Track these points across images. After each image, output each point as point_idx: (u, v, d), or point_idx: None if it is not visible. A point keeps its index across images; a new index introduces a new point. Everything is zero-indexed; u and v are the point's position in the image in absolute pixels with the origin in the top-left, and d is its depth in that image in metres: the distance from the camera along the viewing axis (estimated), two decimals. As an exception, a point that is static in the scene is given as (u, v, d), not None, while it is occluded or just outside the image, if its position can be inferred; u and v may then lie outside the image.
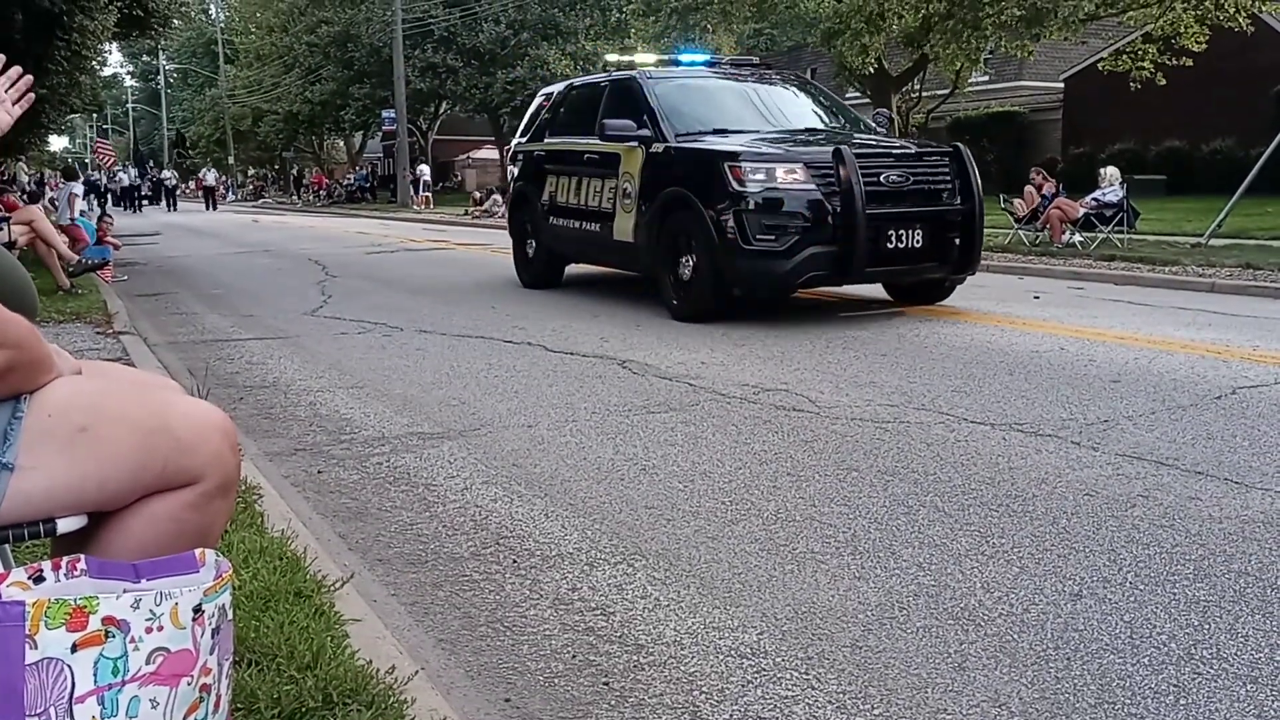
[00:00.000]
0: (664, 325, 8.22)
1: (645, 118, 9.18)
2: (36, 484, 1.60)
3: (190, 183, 60.10)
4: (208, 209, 44.44)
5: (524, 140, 11.92)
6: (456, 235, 22.69)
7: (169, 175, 50.70)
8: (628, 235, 9.20)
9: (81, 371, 1.84)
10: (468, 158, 55.65)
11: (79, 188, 12.83)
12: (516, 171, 11.84)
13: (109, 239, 12.73)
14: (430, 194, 37.62)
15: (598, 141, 9.70)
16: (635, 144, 9.09)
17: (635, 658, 2.69)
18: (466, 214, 30.61)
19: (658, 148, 8.92)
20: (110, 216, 15.69)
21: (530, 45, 40.46)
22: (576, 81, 11.90)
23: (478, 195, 33.29)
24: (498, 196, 31.63)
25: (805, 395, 5.60)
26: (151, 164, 58.10)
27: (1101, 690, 2.46)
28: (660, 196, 8.71)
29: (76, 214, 12.40)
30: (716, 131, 8.94)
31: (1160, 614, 2.85)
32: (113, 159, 50.03)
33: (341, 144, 59.81)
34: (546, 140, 11.14)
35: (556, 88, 11.99)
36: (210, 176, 49.37)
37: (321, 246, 18.85)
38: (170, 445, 1.70)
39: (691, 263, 8.38)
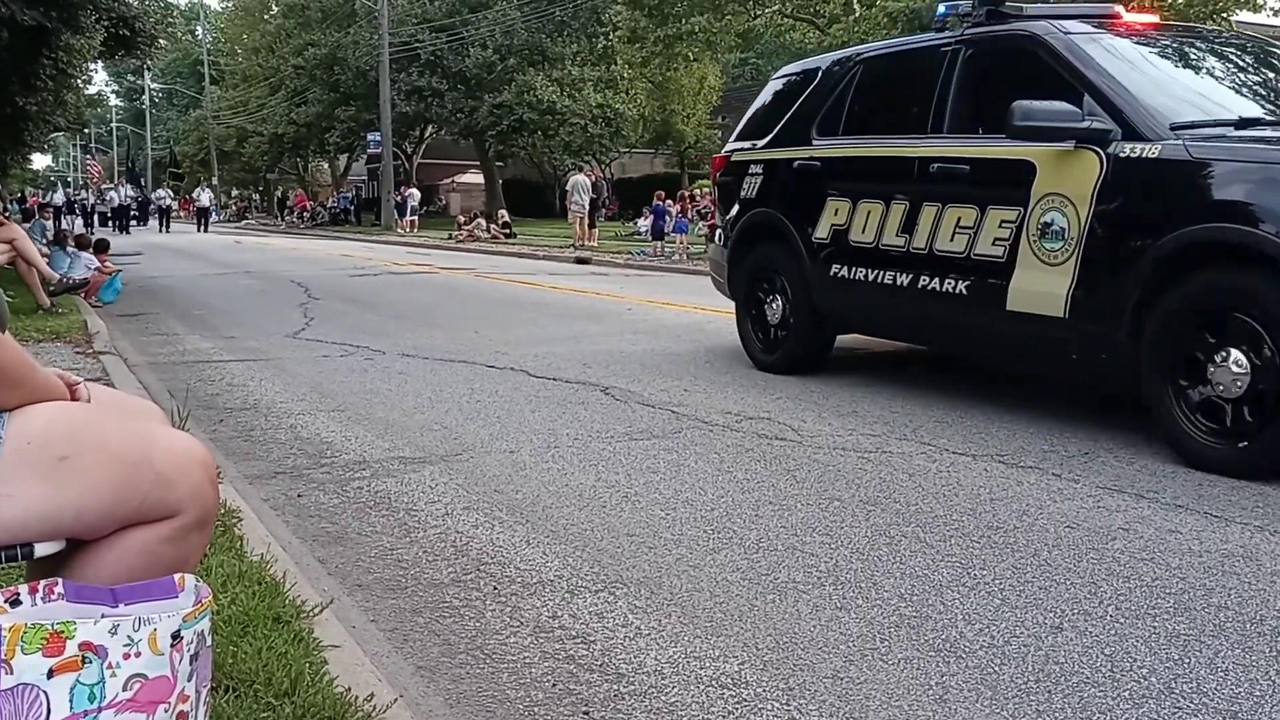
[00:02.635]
0: (647, 352, 8.22)
1: (1093, 98, 5.35)
2: (11, 512, 1.58)
3: (174, 203, 58.70)
4: (200, 230, 41.74)
5: (762, 143, 7.68)
6: (440, 259, 22.69)
7: (163, 195, 48.01)
8: (1050, 305, 5.31)
9: (74, 389, 1.83)
10: (452, 182, 55.75)
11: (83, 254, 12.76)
12: (750, 191, 7.60)
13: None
14: (416, 217, 37.60)
15: (970, 142, 5.95)
16: (1070, 144, 5.28)
17: (616, 687, 2.68)
18: (450, 238, 30.63)
19: (1135, 150, 5.04)
20: (77, 233, 15.59)
21: (517, 70, 40.63)
22: (873, 48, 7.54)
23: (462, 219, 33.32)
24: (481, 220, 31.74)
25: (788, 424, 5.60)
26: (144, 183, 56.40)
27: (1082, 724, 2.46)
28: (1162, 241, 4.82)
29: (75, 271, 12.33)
30: (1245, 122, 5.27)
31: (1140, 647, 2.85)
32: (99, 178, 48.08)
33: (326, 166, 59.86)
34: (821, 141, 7.10)
35: (827, 60, 7.60)
36: (205, 197, 45.88)
37: (304, 268, 18.81)
38: (150, 479, 1.69)
39: (1249, 368, 4.50)
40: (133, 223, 44.13)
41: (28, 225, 13.86)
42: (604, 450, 5.09)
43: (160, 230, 41.94)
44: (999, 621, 3.03)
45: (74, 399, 1.83)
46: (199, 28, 69.56)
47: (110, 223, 41.68)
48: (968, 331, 6.12)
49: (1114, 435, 5.25)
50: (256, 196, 67.32)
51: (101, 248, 13.97)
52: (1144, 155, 5.02)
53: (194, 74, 70.15)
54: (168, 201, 47.24)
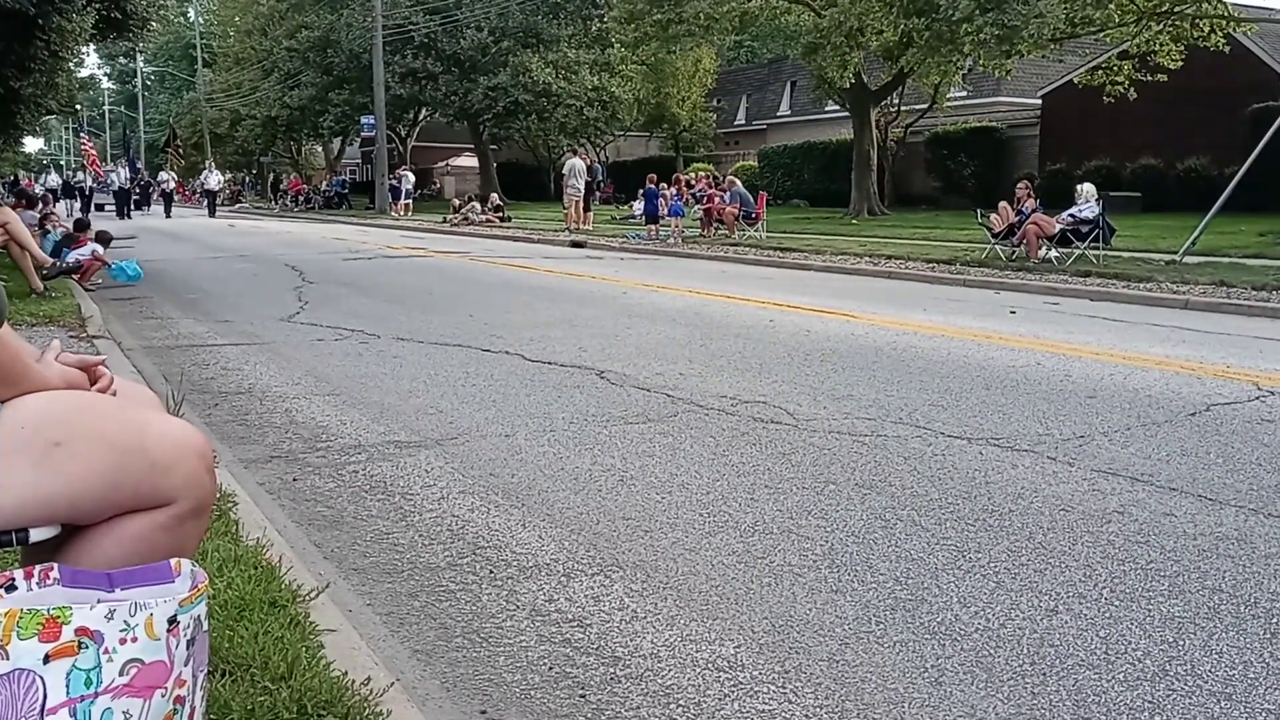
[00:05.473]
0: (643, 336, 8.21)
1: None
2: (5, 499, 1.57)
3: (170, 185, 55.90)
4: (211, 215, 39.01)
5: None
6: (435, 243, 22.63)
7: (166, 177, 45.07)
8: None
9: (94, 370, 1.82)
10: (447, 165, 55.59)
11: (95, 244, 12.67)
12: None
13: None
14: (410, 201, 37.43)
15: None
16: None
17: (612, 670, 2.68)
18: (445, 221, 30.54)
19: None
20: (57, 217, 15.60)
21: (511, 53, 40.45)
22: None
23: (457, 203, 33.22)
24: (475, 204, 31.65)
25: (783, 408, 5.60)
26: (139, 166, 53.83)
27: (1077, 706, 2.47)
28: None
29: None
30: None
31: (1135, 630, 2.86)
32: (93, 158, 45.35)
33: (320, 149, 59.57)
34: None
35: None
36: (213, 179, 42.84)
37: (299, 252, 18.76)
38: (145, 467, 1.68)
39: None
40: (135, 209, 41.48)
41: None
42: (599, 434, 5.09)
43: (166, 214, 39.40)
44: (994, 605, 3.04)
45: (95, 382, 1.83)
46: (191, 9, 69.17)
47: (114, 207, 39.32)
48: None
49: (1108, 419, 5.26)
50: (250, 179, 67.00)
51: (102, 240, 13.86)
52: None
53: (186, 56, 69.81)
54: (171, 184, 44.25)
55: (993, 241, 14.96)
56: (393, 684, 2.39)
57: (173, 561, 1.59)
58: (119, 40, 18.57)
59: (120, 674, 1.44)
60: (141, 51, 63.91)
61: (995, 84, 35.40)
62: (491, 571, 3.36)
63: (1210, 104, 24.34)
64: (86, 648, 1.42)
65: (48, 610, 1.42)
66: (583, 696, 2.55)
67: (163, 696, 1.48)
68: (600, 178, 37.16)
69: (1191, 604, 3.03)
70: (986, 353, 7.34)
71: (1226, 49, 21.52)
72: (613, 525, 3.79)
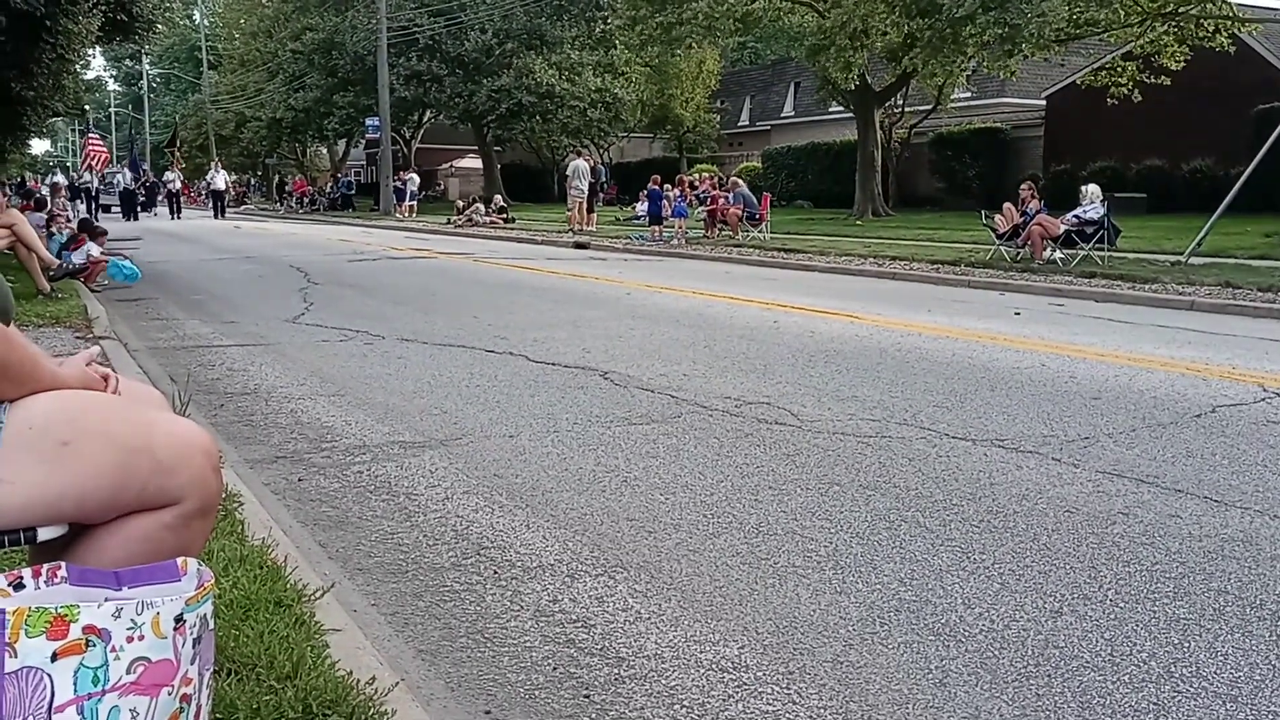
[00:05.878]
0: (646, 337, 8.22)
1: None
2: (12, 498, 1.58)
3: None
4: (217, 217, 38.63)
5: None
6: (439, 244, 22.66)
7: (172, 177, 43.93)
8: None
9: (105, 379, 1.83)
10: (451, 166, 55.62)
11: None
12: None
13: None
14: (414, 202, 37.44)
15: None
16: None
17: (616, 670, 2.68)
18: (449, 223, 30.56)
19: None
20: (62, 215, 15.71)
21: (515, 54, 40.48)
22: None
23: (460, 204, 33.22)
24: (479, 205, 31.67)
25: (787, 409, 5.60)
26: (145, 167, 52.73)
27: (1082, 708, 2.47)
28: None
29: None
30: None
31: (1140, 632, 2.86)
32: (105, 157, 44.67)
33: (325, 151, 59.65)
34: None
35: None
36: (220, 179, 42.20)
37: (303, 254, 18.79)
38: (151, 466, 1.68)
39: None
40: (140, 210, 40.12)
41: None
42: (603, 435, 5.09)
43: (172, 216, 39.04)
44: (999, 606, 3.04)
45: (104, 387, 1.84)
46: (196, 12, 69.27)
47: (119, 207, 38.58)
48: None
49: (1113, 421, 5.26)
50: (255, 181, 67.10)
51: (93, 233, 13.88)
52: None
53: (191, 59, 69.94)
54: (177, 184, 43.10)
55: (997, 242, 14.95)
56: (397, 684, 2.39)
57: (179, 560, 1.60)
58: (125, 42, 18.64)
59: (127, 672, 1.45)
60: (147, 54, 64.06)
61: (1000, 85, 35.36)
62: (496, 572, 3.37)
63: (1216, 104, 24.30)
64: (94, 646, 1.43)
65: (55, 608, 1.42)
66: (587, 697, 2.55)
67: (169, 694, 1.49)
68: (604, 179, 37.14)
69: (1197, 606, 3.03)
70: (991, 354, 7.34)
71: (1232, 49, 21.49)
72: (617, 526, 3.79)
